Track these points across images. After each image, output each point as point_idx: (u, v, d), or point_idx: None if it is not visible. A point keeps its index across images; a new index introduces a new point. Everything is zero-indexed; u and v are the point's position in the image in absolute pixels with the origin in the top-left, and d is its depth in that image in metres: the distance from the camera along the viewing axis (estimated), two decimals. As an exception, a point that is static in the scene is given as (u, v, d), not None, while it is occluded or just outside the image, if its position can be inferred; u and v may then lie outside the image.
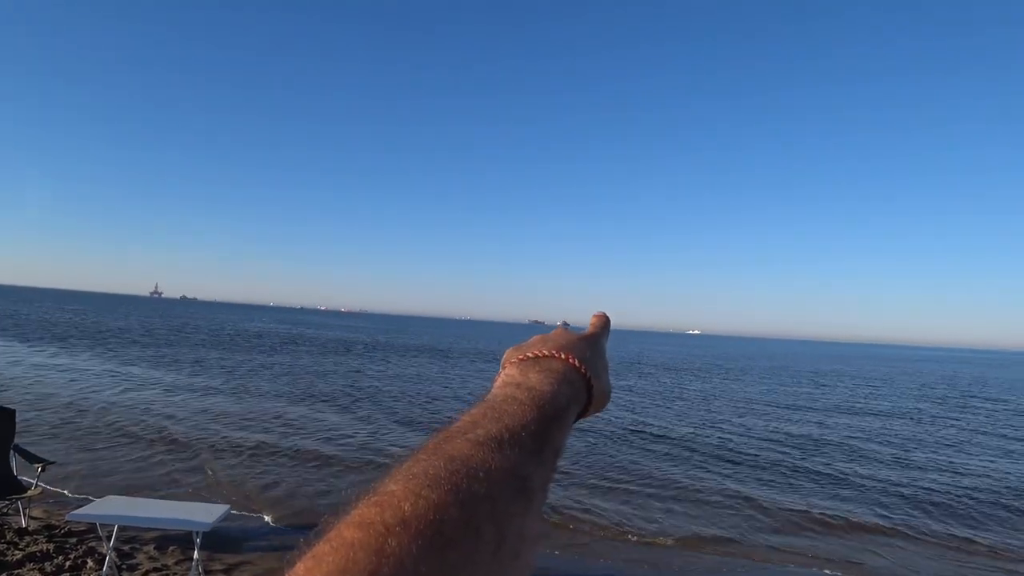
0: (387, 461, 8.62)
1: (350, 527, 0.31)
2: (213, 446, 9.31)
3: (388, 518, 0.31)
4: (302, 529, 6.08)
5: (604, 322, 0.62)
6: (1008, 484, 10.39)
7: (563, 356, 0.50)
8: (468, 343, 55.29)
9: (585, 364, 0.51)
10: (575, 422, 0.49)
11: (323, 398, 15.43)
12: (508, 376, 0.48)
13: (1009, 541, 7.44)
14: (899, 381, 36.60)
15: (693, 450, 11.70)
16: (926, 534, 7.55)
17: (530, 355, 0.50)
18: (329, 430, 11.36)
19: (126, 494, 6.23)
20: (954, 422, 18.61)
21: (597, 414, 0.55)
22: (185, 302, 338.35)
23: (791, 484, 9.58)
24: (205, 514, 4.89)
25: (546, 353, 0.51)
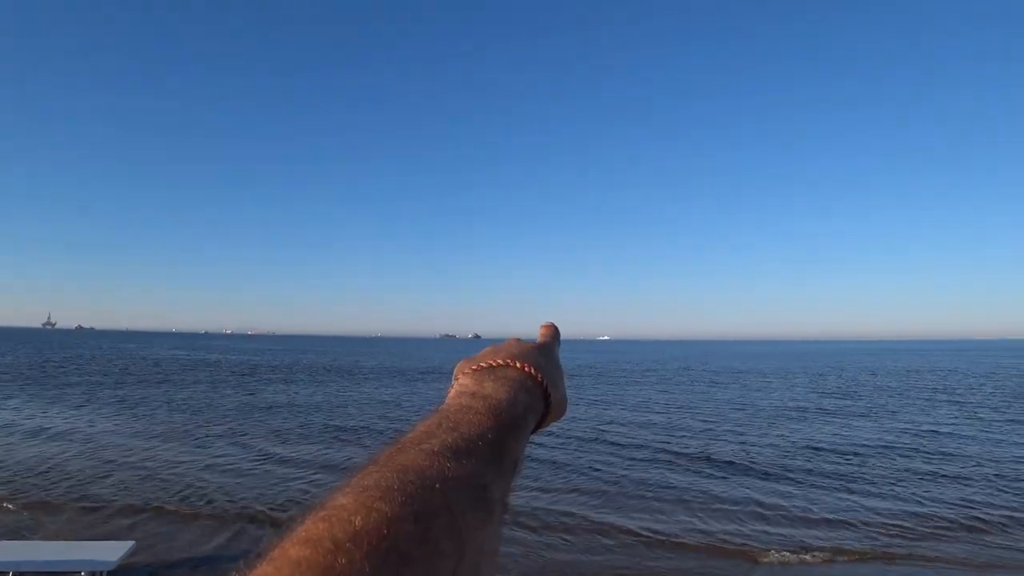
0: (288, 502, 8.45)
1: (296, 545, 0.28)
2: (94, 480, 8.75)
3: (337, 533, 0.28)
4: (216, 561, 5.92)
5: (554, 332, 0.62)
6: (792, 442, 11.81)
7: (518, 364, 0.50)
8: (379, 360, 54.23)
9: (541, 372, 0.50)
10: (534, 432, 0.49)
11: (216, 429, 14.67)
12: (462, 386, 0.46)
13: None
14: (796, 375, 39.65)
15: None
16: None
17: (484, 365, 0.50)
18: (223, 462, 10.95)
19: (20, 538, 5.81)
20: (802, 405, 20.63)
21: (555, 423, 0.55)
22: (81, 332, 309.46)
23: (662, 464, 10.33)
24: (109, 552, 4.73)
25: (500, 362, 0.50)
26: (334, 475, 9.87)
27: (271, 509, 7.88)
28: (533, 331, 0.63)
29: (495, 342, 0.57)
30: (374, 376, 34.18)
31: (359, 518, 0.28)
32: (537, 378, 0.50)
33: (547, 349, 0.57)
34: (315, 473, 10.12)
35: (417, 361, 53.55)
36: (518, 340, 0.58)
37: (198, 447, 12.03)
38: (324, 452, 12.01)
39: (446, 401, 0.45)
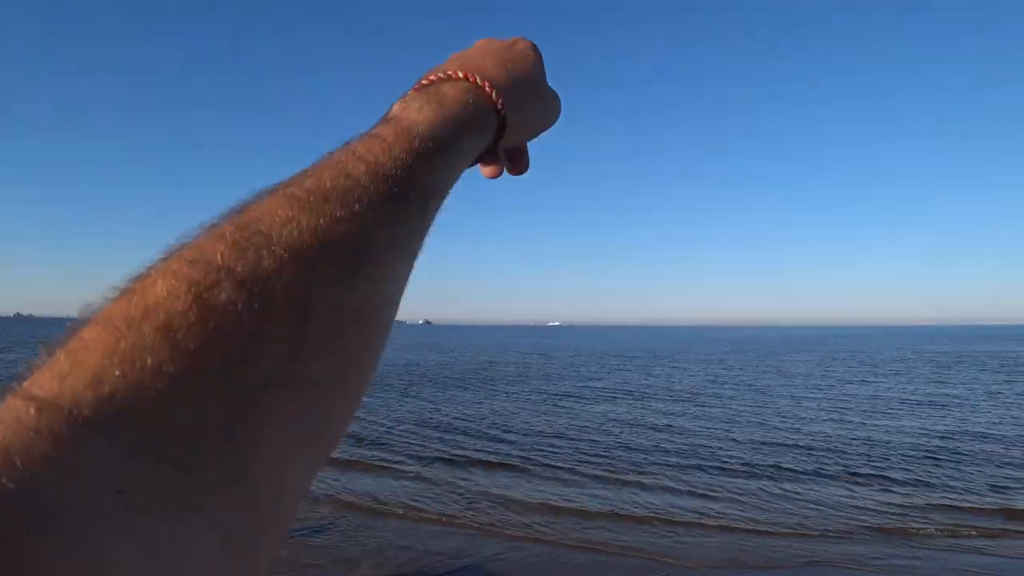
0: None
1: (91, 325, 0.24)
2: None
3: (132, 310, 0.23)
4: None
5: (533, 53, 0.49)
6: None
7: (464, 76, 0.41)
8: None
9: (493, 85, 0.42)
10: (496, 144, 0.43)
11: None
12: (387, 112, 0.39)
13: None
14: (732, 360, 41.28)
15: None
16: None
17: (424, 81, 0.41)
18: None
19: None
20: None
21: (541, 131, 0.50)
22: (20, 319, 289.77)
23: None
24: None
25: (442, 75, 0.42)
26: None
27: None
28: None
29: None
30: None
31: (161, 287, 0.24)
32: (486, 91, 0.41)
33: (518, 53, 0.48)
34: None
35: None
36: (489, 40, 0.48)
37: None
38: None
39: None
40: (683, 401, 17.92)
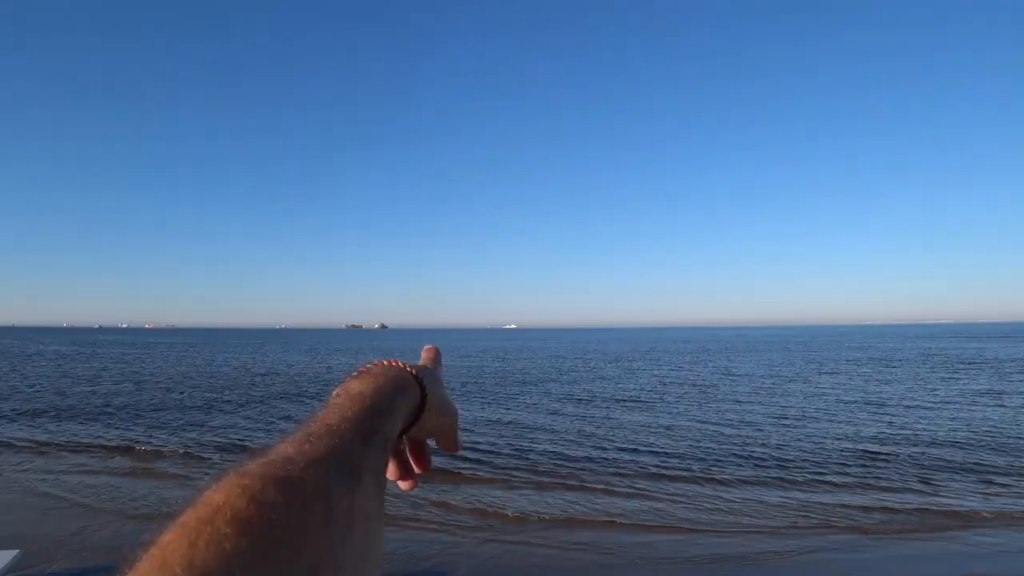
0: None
1: (169, 532, 0.31)
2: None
3: (202, 513, 0.31)
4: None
5: (435, 354, 0.66)
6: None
7: (388, 362, 0.56)
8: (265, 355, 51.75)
9: (413, 366, 0.56)
10: (409, 429, 0.54)
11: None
12: (334, 391, 0.50)
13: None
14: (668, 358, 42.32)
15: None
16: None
17: (355, 372, 0.53)
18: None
19: None
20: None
21: (443, 424, 0.59)
22: None
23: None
24: (-8, 560, 4.43)
25: (371, 364, 0.55)
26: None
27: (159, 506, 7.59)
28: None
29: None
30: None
31: (219, 495, 0.31)
32: (408, 370, 0.55)
33: (426, 365, 0.62)
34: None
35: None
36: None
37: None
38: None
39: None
40: (628, 402, 18.44)
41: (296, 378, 26.58)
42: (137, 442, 11.51)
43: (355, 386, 0.49)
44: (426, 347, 0.68)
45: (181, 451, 10.87)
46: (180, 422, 14.14)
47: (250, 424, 14.15)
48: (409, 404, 0.52)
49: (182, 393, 20.01)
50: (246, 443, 11.91)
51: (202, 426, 13.69)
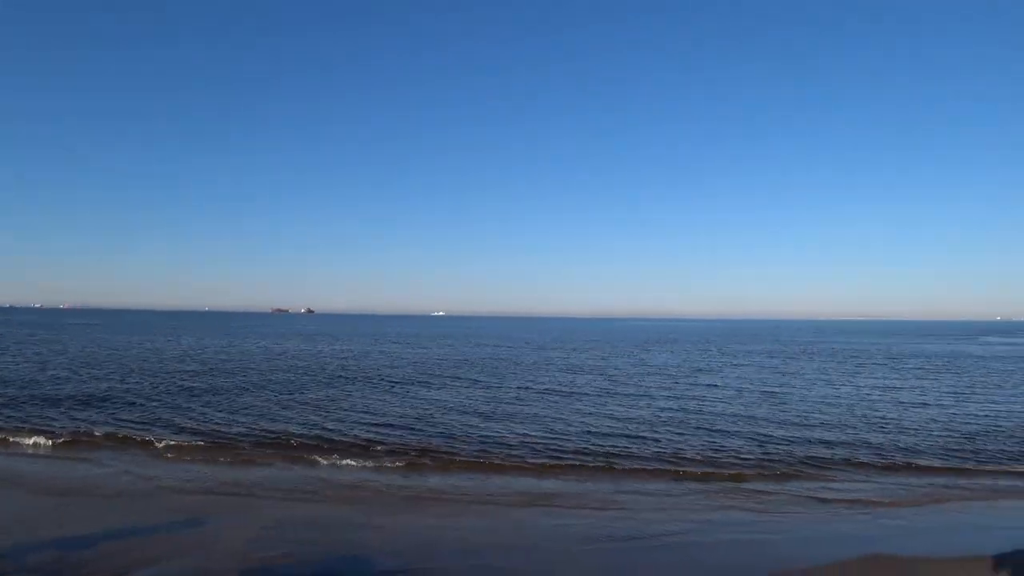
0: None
1: None
2: None
3: None
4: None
5: None
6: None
7: None
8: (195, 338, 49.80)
9: None
10: None
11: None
12: None
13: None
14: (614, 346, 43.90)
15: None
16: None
17: None
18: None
19: None
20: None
21: None
22: None
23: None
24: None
25: None
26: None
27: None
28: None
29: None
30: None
31: None
32: None
33: None
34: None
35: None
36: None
37: None
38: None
39: None
40: (542, 387, 19.55)
41: (208, 364, 26.06)
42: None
43: None
44: None
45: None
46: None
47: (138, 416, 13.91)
48: None
49: (81, 379, 19.40)
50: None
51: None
